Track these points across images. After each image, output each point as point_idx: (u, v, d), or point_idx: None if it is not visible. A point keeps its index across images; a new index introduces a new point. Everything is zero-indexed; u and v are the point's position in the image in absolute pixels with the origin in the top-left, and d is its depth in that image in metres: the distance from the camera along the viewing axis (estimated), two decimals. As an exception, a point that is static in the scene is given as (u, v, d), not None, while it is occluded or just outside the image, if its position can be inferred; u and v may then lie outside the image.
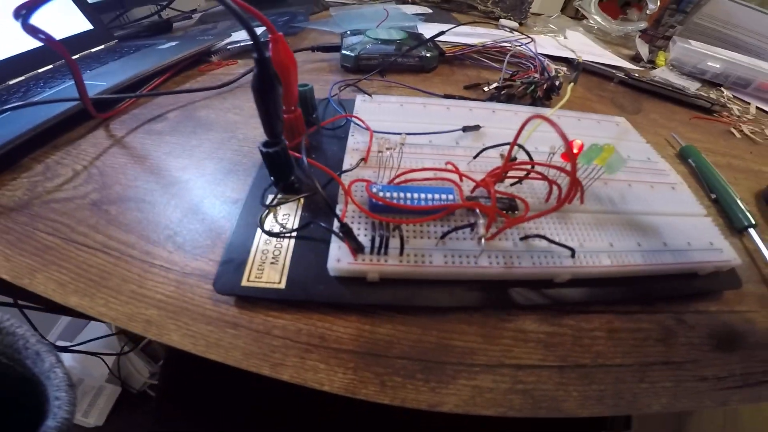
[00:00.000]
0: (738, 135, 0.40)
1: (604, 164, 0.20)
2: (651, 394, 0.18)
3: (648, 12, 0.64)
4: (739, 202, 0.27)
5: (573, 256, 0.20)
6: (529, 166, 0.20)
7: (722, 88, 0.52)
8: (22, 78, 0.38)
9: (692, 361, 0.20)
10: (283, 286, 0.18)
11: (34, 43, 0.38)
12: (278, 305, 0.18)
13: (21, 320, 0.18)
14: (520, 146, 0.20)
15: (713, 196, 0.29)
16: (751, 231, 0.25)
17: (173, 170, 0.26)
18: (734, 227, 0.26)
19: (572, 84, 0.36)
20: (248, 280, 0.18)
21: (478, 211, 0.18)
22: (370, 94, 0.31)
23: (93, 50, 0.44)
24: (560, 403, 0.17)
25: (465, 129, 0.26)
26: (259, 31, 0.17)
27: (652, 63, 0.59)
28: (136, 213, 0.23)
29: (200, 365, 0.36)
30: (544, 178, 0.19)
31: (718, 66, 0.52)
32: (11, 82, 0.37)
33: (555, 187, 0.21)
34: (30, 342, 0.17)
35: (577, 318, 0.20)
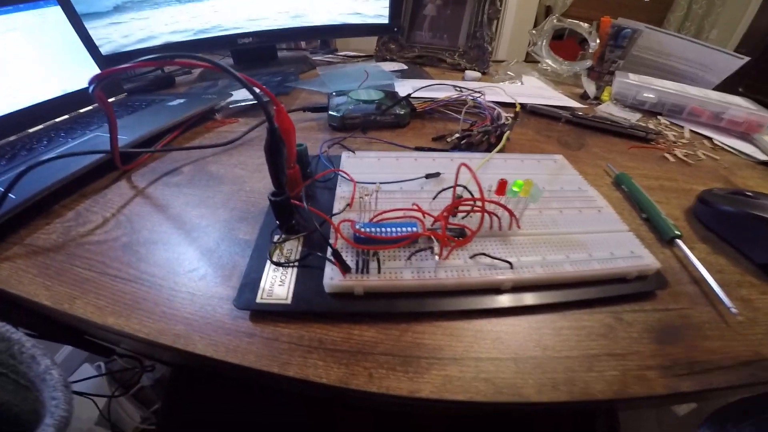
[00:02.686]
0: (672, 159, 0.45)
1: (527, 195, 0.26)
2: (601, 381, 0.20)
3: (590, 50, 0.69)
4: (664, 217, 0.31)
5: (511, 267, 0.24)
6: (472, 202, 0.27)
7: (660, 116, 0.56)
8: (41, 127, 0.41)
9: (635, 353, 0.22)
10: (289, 301, 0.23)
11: (49, 94, 0.43)
12: (285, 317, 0.23)
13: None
14: (464, 187, 0.27)
15: (644, 215, 0.33)
16: (678, 241, 0.29)
17: (193, 218, 0.31)
18: (664, 240, 0.30)
19: (508, 132, 0.43)
20: (261, 298, 0.23)
21: (433, 237, 0.24)
22: (353, 151, 0.38)
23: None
24: (519, 389, 0.20)
25: (427, 176, 0.33)
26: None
27: (598, 99, 0.62)
28: (163, 253, 0.27)
29: (198, 401, 0.37)
30: (483, 211, 0.26)
31: (653, 96, 0.56)
32: (31, 131, 0.41)
33: (494, 217, 0.27)
34: (25, 347, 0.17)
35: (526, 319, 0.24)
